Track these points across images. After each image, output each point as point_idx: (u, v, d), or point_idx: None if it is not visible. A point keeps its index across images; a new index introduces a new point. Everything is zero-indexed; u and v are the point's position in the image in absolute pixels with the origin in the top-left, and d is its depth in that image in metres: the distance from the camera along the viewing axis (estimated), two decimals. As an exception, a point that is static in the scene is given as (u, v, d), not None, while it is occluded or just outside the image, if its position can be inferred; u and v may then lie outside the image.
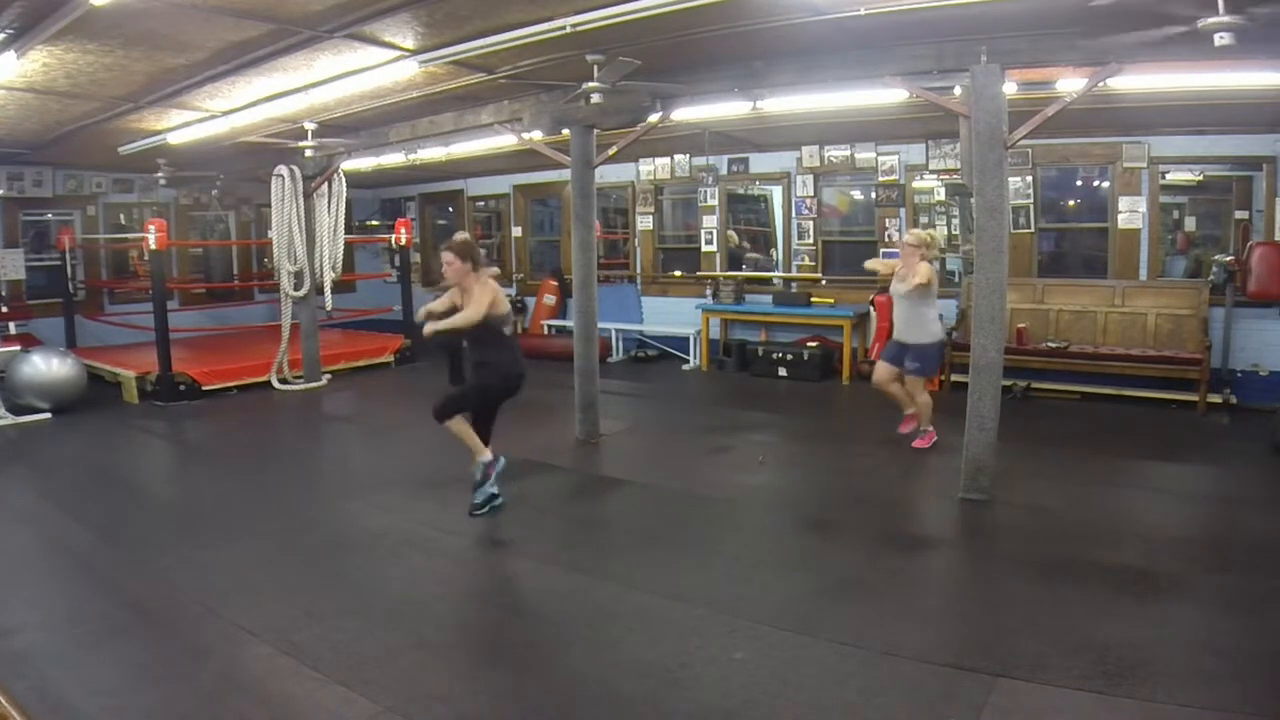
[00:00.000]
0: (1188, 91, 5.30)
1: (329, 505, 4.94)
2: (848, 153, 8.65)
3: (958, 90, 4.75)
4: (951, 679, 2.86)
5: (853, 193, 9.21)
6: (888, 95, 5.51)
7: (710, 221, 9.72)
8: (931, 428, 5.75)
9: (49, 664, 3.03)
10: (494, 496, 4.46)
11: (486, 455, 4.41)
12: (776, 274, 9.46)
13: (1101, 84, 4.45)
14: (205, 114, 6.70)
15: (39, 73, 5.16)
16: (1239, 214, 7.17)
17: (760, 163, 9.34)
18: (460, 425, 4.38)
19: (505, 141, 7.23)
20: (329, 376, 8.87)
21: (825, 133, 8.20)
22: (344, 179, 8.64)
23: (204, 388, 8.10)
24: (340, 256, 8.69)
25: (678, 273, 10.22)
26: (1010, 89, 4.67)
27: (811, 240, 9.07)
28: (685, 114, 6.37)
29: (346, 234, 9.00)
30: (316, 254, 8.47)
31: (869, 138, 8.39)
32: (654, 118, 6.05)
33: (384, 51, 5.02)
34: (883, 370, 5.87)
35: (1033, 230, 7.78)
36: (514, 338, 4.71)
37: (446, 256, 4.34)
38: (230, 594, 3.63)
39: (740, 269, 9.80)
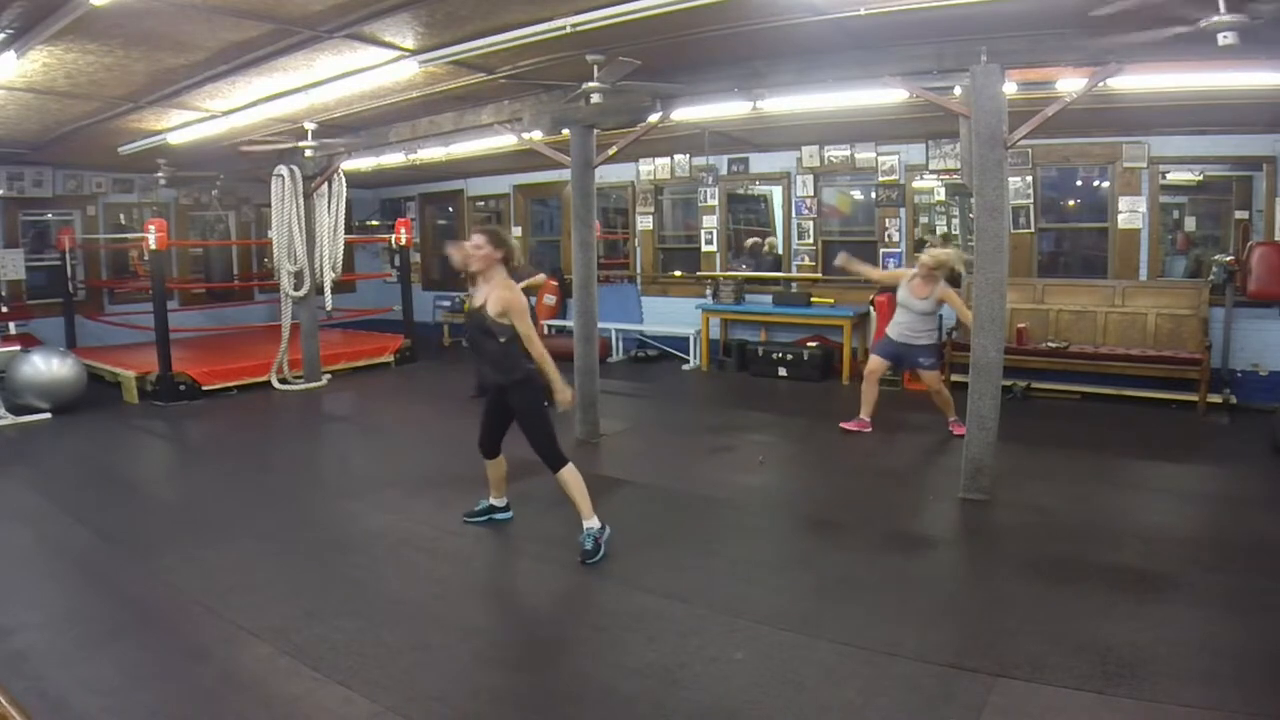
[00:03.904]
0: (1188, 91, 5.30)
1: (329, 505, 4.94)
2: (848, 153, 8.65)
3: (958, 90, 4.75)
4: (951, 679, 2.86)
5: (853, 193, 9.21)
6: (888, 95, 5.50)
7: (710, 221, 9.71)
8: (956, 416, 6.10)
9: (49, 664, 3.03)
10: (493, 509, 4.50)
11: (596, 521, 4.00)
12: (776, 274, 9.46)
13: (1101, 84, 4.45)
14: (205, 114, 6.70)
15: (39, 73, 5.16)
16: (1239, 214, 7.16)
17: (760, 163, 9.33)
18: (576, 475, 4.01)
19: (505, 141, 7.23)
20: (329, 376, 8.87)
21: (825, 133, 8.19)
22: (344, 179, 8.64)
23: (204, 388, 8.10)
24: (340, 256, 8.69)
25: (678, 273, 10.22)
26: (1010, 89, 4.67)
27: (811, 240, 9.07)
28: (685, 114, 6.37)
29: (346, 234, 9.00)
30: (316, 254, 8.47)
31: (869, 138, 8.39)
32: (654, 118, 6.05)
33: (384, 51, 5.02)
34: (877, 363, 6.37)
35: (1033, 230, 7.78)
36: None
37: (476, 239, 3.86)
38: (230, 594, 3.63)
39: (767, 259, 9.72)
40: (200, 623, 3.38)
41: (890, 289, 6.01)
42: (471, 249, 3.87)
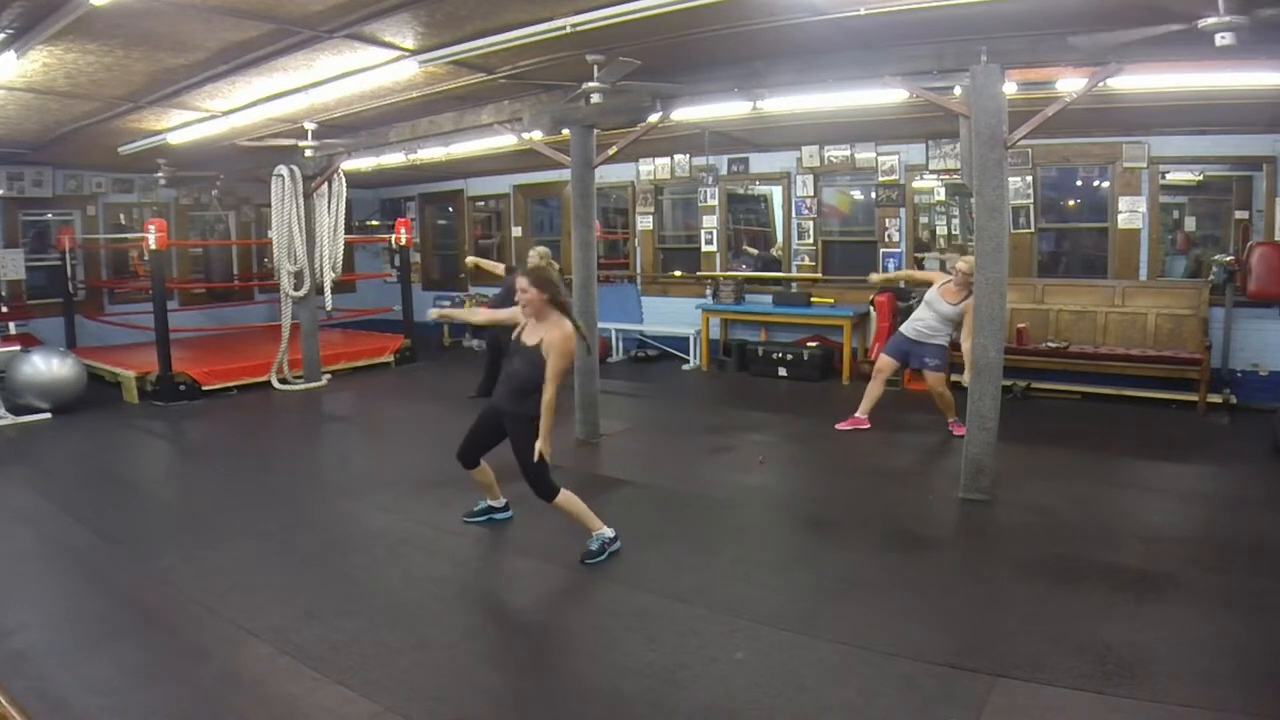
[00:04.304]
0: (1188, 91, 5.30)
1: (329, 505, 4.94)
2: (848, 153, 8.65)
3: (958, 90, 4.75)
4: (951, 679, 2.86)
5: (853, 193, 9.21)
6: (888, 95, 5.50)
7: (710, 221, 9.71)
8: (956, 416, 6.11)
9: (49, 664, 3.03)
10: (492, 510, 4.50)
11: (607, 530, 4.00)
12: (777, 274, 9.46)
13: (1101, 84, 4.45)
14: (205, 114, 6.70)
15: (39, 73, 5.16)
16: (1239, 214, 7.16)
17: (760, 163, 9.33)
18: (571, 497, 3.97)
19: (505, 141, 7.23)
20: (329, 376, 8.87)
21: (825, 133, 8.19)
22: (344, 179, 8.64)
23: (204, 388, 8.10)
24: (340, 256, 8.69)
25: (678, 273, 10.22)
26: (1010, 89, 4.67)
27: (811, 240, 9.07)
28: (685, 114, 6.37)
29: (346, 234, 9.00)
30: (316, 254, 8.47)
31: (869, 138, 8.39)
32: (654, 118, 6.05)
33: (384, 51, 5.02)
34: (886, 362, 6.40)
35: (1033, 230, 7.78)
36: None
37: (522, 283, 3.84)
38: (230, 594, 3.63)
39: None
40: (200, 623, 3.38)
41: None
42: (519, 295, 3.86)
